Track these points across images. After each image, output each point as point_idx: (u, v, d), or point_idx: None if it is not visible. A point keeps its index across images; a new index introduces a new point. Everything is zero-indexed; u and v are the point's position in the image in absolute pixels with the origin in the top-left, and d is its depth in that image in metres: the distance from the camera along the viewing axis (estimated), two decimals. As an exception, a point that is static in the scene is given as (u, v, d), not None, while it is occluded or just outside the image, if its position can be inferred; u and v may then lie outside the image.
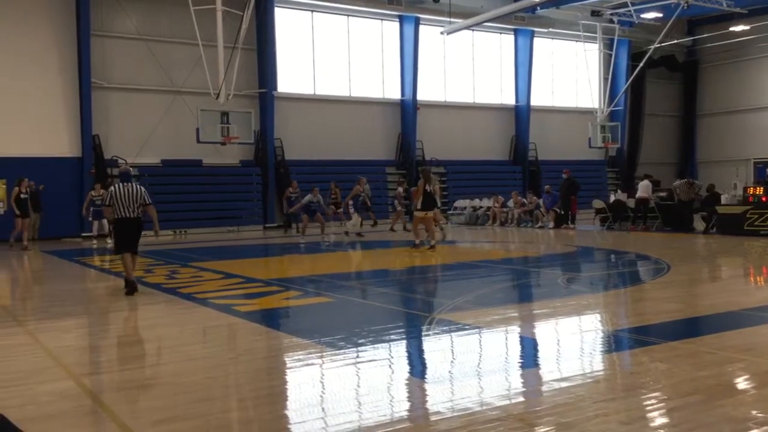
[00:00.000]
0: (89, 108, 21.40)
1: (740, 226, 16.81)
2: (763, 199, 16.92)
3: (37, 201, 18.97)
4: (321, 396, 4.98)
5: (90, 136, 21.56)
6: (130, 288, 9.42)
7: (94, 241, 19.24)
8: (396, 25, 27.09)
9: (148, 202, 9.76)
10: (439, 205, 18.45)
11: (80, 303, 9.51)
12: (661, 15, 27.31)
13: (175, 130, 22.80)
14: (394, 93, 27.30)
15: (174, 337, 6.93)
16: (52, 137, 21.15)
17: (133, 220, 9.61)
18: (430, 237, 15.03)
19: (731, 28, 28.68)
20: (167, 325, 7.74)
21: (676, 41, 30.52)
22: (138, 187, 9.75)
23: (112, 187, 9.76)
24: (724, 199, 18.20)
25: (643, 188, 20.14)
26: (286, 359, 6.05)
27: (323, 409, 4.66)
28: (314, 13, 25.63)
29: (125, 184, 9.67)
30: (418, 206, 14.82)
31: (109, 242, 16.97)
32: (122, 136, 22.31)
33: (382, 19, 26.86)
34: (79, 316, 8.44)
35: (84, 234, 20.61)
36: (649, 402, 4.54)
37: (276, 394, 5.03)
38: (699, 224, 18.86)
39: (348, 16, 26.21)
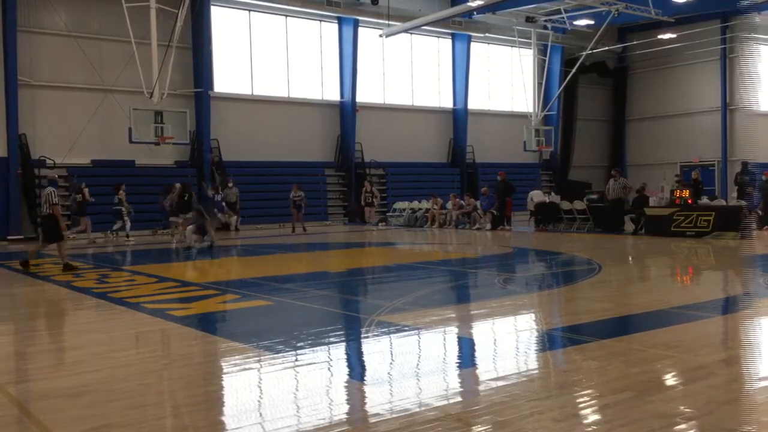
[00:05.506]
0: (15, 106, 20.60)
1: (667, 228, 17.37)
2: (689, 201, 17.59)
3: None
4: (258, 401, 4.91)
5: (16, 135, 20.74)
6: None
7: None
8: (335, 26, 27.03)
9: None
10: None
11: (6, 308, 9.15)
12: (592, 22, 28.13)
13: (107, 129, 22.19)
14: (333, 94, 27.22)
15: (105, 343, 6.72)
16: (-25, 136, 20.30)
17: None
18: None
19: (659, 36, 29.78)
20: (98, 330, 7.50)
21: (607, 48, 31.52)
22: None
23: None
24: (652, 201, 18.84)
25: (537, 195, 22.41)
26: (222, 364, 5.95)
27: (261, 414, 4.60)
28: (252, 12, 25.33)
29: None
30: None
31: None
32: (50, 136, 21.58)
33: (320, 20, 26.75)
34: (4, 322, 8.10)
35: (10, 237, 19.78)
36: (581, 399, 4.65)
37: (212, 400, 4.94)
38: (628, 225, 19.46)
39: (286, 16, 26.01)
